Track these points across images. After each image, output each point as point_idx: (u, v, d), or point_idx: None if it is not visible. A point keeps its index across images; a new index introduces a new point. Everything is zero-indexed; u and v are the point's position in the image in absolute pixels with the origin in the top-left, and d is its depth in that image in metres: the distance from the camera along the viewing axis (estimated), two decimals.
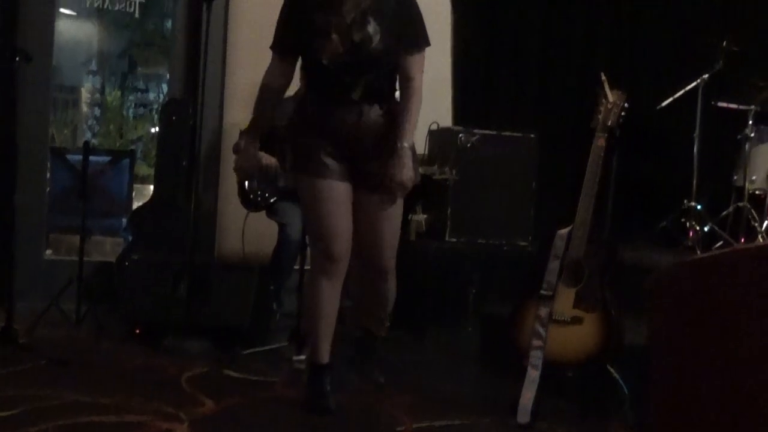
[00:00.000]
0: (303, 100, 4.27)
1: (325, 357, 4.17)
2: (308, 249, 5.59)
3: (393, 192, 4.08)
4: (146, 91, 14.12)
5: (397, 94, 4.21)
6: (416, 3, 4.13)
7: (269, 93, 4.23)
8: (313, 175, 4.08)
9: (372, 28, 3.99)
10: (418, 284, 5.94)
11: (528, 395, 4.04)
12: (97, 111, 13.00)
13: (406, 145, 4.04)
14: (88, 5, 9.45)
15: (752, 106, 6.35)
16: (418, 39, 4.11)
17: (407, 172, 4.03)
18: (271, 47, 4.20)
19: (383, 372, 4.61)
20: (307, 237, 5.09)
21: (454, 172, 6.18)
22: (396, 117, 4.09)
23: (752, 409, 1.30)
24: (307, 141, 4.12)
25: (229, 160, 6.46)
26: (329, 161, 4.08)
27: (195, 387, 4.41)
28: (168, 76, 7.96)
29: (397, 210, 4.21)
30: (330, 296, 4.15)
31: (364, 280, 4.40)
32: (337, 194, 4.09)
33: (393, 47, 4.04)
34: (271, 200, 5.92)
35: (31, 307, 5.36)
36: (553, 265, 4.19)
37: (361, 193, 4.15)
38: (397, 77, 4.16)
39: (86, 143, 6.05)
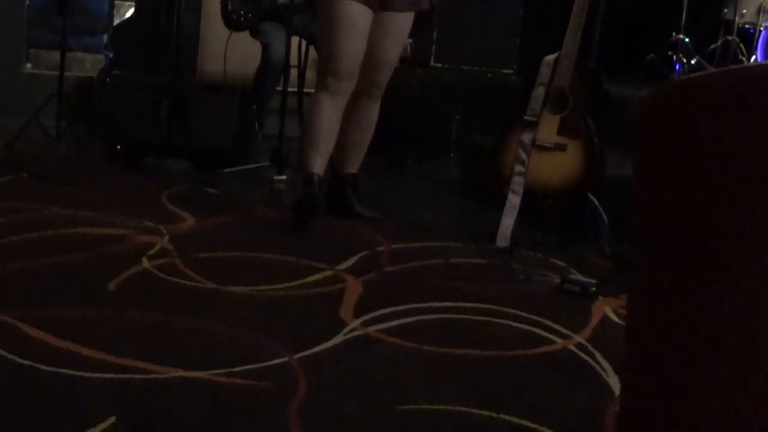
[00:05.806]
0: None
1: (319, 168, 4.15)
2: (291, 70, 5.54)
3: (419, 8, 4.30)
4: None
5: None
6: None
7: None
8: None
9: None
10: (402, 111, 5.90)
11: (508, 221, 4.06)
12: None
13: None
14: None
15: None
16: None
17: None
18: None
19: (372, 209, 4.50)
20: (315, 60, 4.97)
21: None
22: None
23: (732, 240, 1.29)
24: None
25: None
26: None
27: (176, 203, 4.42)
28: None
29: (406, 34, 4.36)
30: (331, 113, 4.16)
31: (352, 108, 4.33)
32: (356, 17, 4.10)
33: None
34: (255, 20, 5.82)
35: (10, 122, 5.32)
36: (538, 92, 4.16)
37: (386, 14, 4.19)
38: None
39: None
